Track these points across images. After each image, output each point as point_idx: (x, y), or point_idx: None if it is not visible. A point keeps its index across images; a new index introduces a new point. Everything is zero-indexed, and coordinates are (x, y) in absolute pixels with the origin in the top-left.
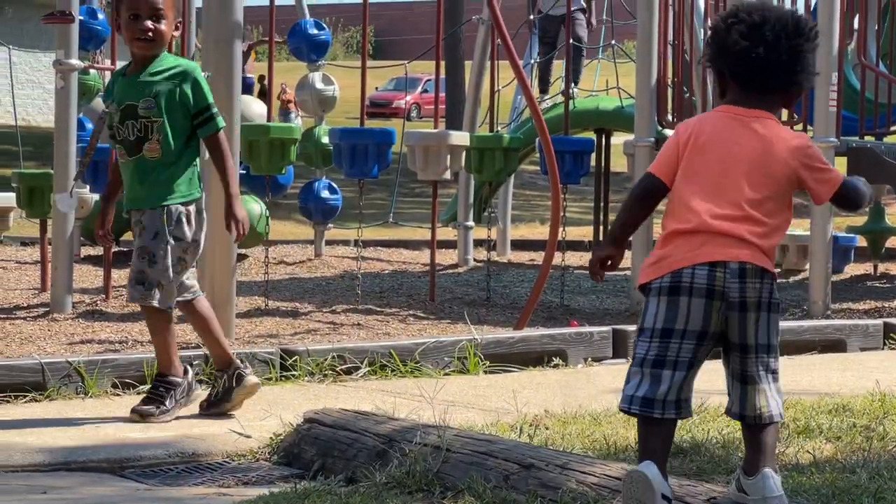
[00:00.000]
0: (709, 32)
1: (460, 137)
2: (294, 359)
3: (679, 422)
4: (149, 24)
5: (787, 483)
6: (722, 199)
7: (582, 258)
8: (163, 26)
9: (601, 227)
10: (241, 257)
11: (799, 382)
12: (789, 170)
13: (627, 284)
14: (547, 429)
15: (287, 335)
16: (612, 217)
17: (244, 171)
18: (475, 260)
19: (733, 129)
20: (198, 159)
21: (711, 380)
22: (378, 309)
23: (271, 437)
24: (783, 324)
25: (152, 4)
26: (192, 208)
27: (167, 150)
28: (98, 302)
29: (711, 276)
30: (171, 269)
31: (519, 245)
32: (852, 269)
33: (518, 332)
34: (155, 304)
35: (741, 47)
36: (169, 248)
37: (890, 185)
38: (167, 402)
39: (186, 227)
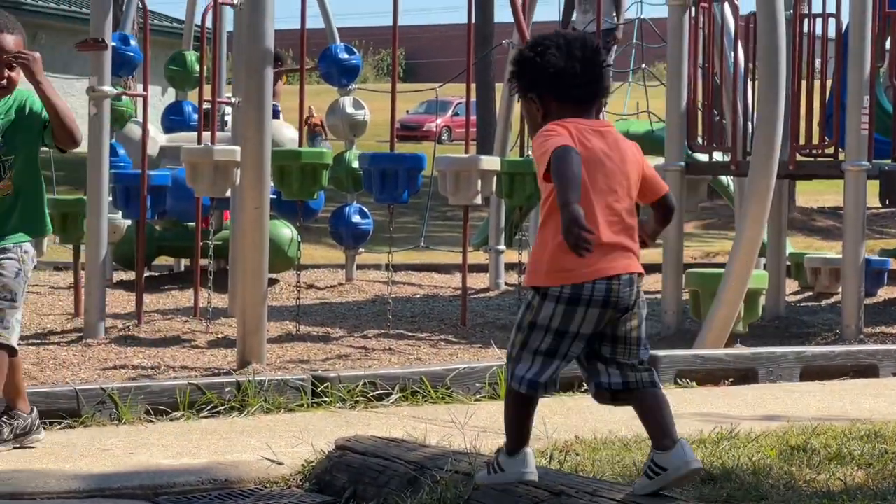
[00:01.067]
0: (509, 68)
1: (491, 162)
2: (325, 385)
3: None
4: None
5: None
6: (609, 211)
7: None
8: (14, 73)
9: None
10: (272, 282)
11: (830, 408)
12: (641, 171)
13: (658, 308)
14: (577, 455)
15: (318, 360)
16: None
17: (275, 196)
18: (506, 284)
19: (600, 141)
20: None
21: (739, 406)
22: (409, 333)
23: (303, 464)
24: (815, 349)
25: (6, 50)
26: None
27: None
28: (130, 327)
29: (608, 289)
30: None
31: None
32: (885, 293)
33: None
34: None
35: (560, 67)
36: None
37: None
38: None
39: None
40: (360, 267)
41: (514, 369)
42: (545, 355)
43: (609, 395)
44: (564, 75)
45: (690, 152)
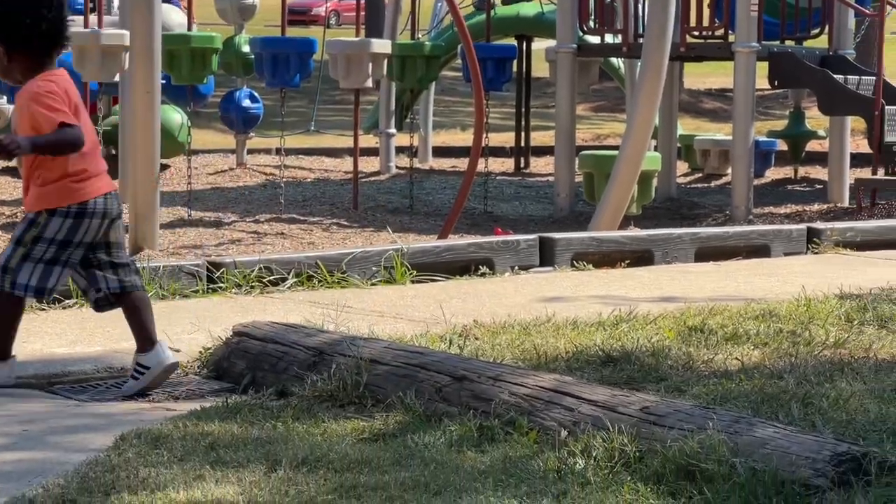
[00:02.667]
0: None
1: (382, 45)
2: (221, 271)
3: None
4: None
5: (717, 390)
6: (94, 145)
7: (504, 164)
8: None
9: (523, 133)
10: (163, 167)
11: (725, 288)
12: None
13: (550, 191)
14: (477, 339)
15: (211, 245)
16: (534, 123)
17: (164, 81)
18: (397, 167)
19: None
20: None
21: (637, 288)
22: (301, 218)
23: (200, 351)
24: (710, 230)
25: None
26: None
27: None
28: (18, 214)
29: (105, 203)
30: None
31: (441, 152)
32: (773, 174)
33: (444, 241)
34: None
35: (28, 22)
36: None
37: (810, 89)
38: None
39: None
40: (250, 151)
41: (14, 279)
42: (48, 263)
43: (107, 300)
44: (33, 30)
45: (582, 34)
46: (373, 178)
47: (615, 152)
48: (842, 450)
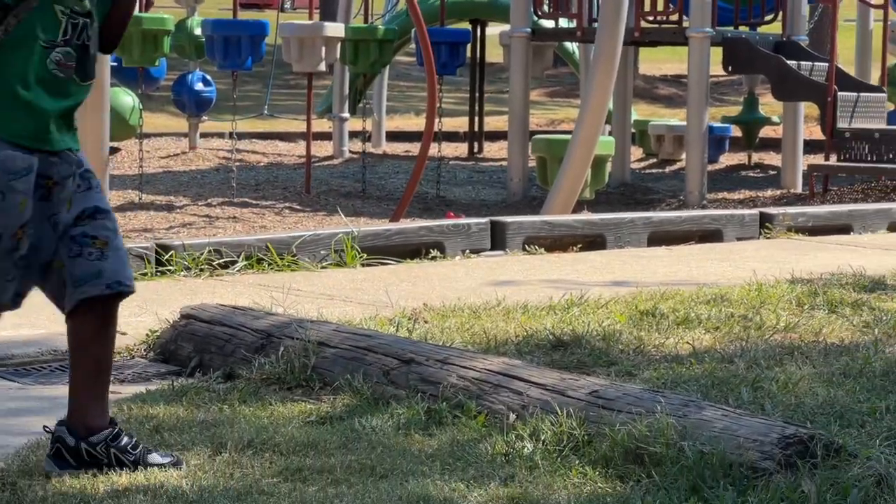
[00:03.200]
0: None
1: (335, 29)
2: (170, 254)
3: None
4: None
5: (667, 374)
6: None
7: (458, 149)
8: None
9: (476, 118)
10: (114, 150)
11: (678, 273)
12: None
13: (503, 175)
14: (426, 322)
15: (162, 229)
16: (488, 108)
17: (115, 64)
18: (350, 151)
19: None
20: None
21: (589, 272)
22: (254, 202)
23: (147, 334)
24: (662, 214)
25: None
26: None
27: None
28: None
29: None
30: None
31: (394, 136)
32: (727, 160)
33: (395, 225)
34: None
35: None
36: None
37: (764, 75)
38: None
39: None
40: (203, 135)
41: None
42: None
43: None
44: None
45: (536, 19)
46: (326, 163)
47: (568, 136)
48: (789, 432)
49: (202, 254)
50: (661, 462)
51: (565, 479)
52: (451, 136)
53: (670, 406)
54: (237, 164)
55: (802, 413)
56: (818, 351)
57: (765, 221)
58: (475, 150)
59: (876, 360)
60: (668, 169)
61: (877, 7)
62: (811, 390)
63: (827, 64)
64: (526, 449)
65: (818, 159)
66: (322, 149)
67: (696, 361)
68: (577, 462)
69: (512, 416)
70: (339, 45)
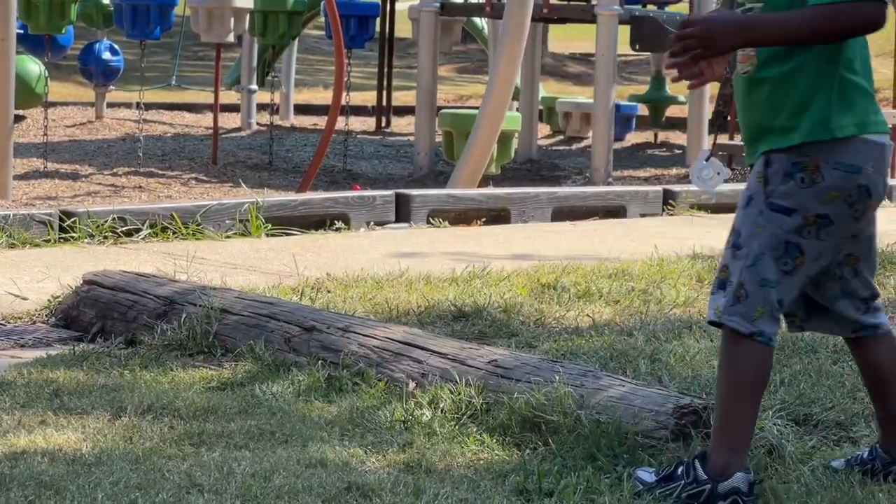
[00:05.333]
0: None
1: (244, 0)
2: (73, 220)
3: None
4: None
5: (567, 345)
6: None
7: (365, 123)
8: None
9: (385, 93)
10: (20, 118)
11: (581, 247)
12: None
13: (411, 150)
14: (329, 292)
15: (67, 197)
16: (396, 83)
17: (21, 30)
18: (258, 124)
19: None
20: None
21: (492, 245)
22: (160, 172)
23: (49, 300)
24: (567, 189)
25: None
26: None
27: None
28: None
29: None
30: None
31: (302, 109)
32: (634, 138)
33: (300, 196)
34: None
35: None
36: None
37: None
38: None
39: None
40: (111, 105)
41: None
42: None
43: None
44: None
45: None
46: (234, 134)
47: (475, 111)
48: (684, 403)
49: (106, 221)
50: (558, 430)
51: (463, 447)
52: (360, 111)
53: (568, 376)
54: (144, 134)
55: (699, 385)
56: None
57: (668, 198)
58: (383, 124)
59: None
60: (574, 146)
61: None
62: (708, 363)
63: None
64: (425, 416)
65: (724, 138)
66: (230, 120)
67: (595, 334)
68: (475, 430)
69: (412, 384)
70: (247, 17)
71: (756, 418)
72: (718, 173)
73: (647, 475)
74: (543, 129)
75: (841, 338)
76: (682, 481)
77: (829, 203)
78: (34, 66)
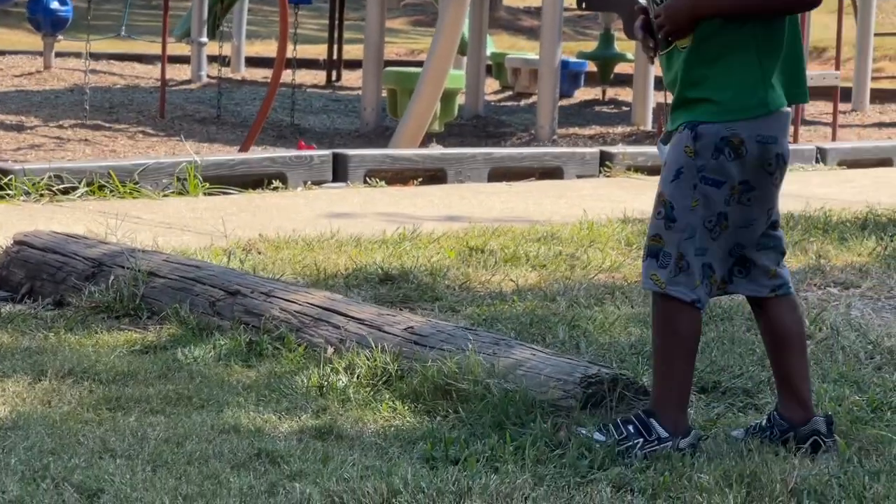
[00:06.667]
0: None
1: None
2: (9, 178)
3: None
4: None
5: (490, 311)
6: None
7: (317, 77)
8: None
9: (335, 46)
10: None
11: (514, 209)
12: None
13: (360, 105)
14: (260, 253)
15: (10, 150)
16: (349, 35)
17: None
18: (208, 76)
19: None
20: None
21: (426, 206)
22: (107, 125)
23: None
24: (503, 150)
25: None
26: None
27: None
28: None
29: None
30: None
31: (254, 62)
32: (582, 94)
33: (239, 155)
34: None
35: None
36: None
37: (617, 13)
38: None
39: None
40: (60, 55)
41: None
42: None
43: None
44: None
45: None
46: (183, 87)
47: (419, 70)
48: (591, 372)
49: (42, 179)
50: (468, 399)
51: (375, 413)
52: (311, 64)
53: (481, 344)
54: (91, 85)
55: (615, 352)
56: (639, 291)
57: (605, 160)
58: (333, 78)
59: None
60: (522, 102)
61: None
62: (626, 330)
63: None
64: (340, 382)
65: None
66: (181, 72)
67: (518, 299)
68: (388, 396)
69: (330, 350)
70: None
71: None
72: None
73: (599, 434)
74: (493, 84)
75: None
76: (641, 438)
77: (750, 171)
78: None
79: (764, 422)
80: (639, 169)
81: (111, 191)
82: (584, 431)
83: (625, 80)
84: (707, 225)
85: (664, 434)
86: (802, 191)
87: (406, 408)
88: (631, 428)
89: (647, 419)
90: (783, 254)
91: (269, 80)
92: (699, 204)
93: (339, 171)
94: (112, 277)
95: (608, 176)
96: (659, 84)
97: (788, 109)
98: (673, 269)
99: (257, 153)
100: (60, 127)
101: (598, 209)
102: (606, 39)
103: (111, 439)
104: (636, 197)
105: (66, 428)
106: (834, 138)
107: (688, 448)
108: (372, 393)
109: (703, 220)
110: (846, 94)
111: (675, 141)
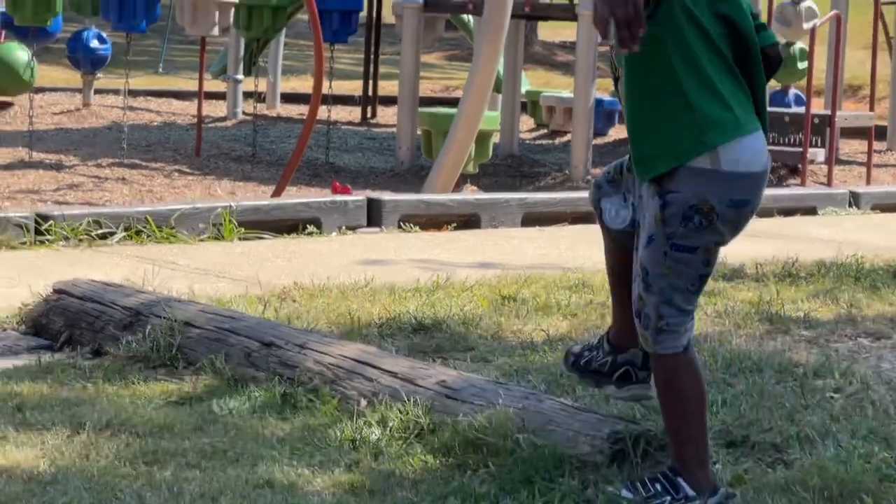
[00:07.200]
0: None
1: None
2: (49, 223)
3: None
4: None
5: (521, 361)
6: None
7: (352, 113)
8: None
9: (371, 82)
10: (5, 105)
11: (547, 255)
12: None
13: (394, 142)
14: (294, 302)
15: (49, 190)
16: (385, 70)
17: (10, 19)
18: (244, 113)
19: None
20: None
21: (460, 252)
22: (143, 163)
23: (20, 307)
24: (537, 195)
25: None
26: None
27: None
28: None
29: None
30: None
31: (290, 98)
32: (617, 133)
33: (274, 200)
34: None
35: None
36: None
37: None
38: None
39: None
40: (99, 91)
41: None
42: None
43: None
44: None
45: None
46: (219, 124)
47: (453, 110)
48: (619, 428)
49: (81, 224)
50: (498, 453)
51: (407, 467)
52: (346, 100)
53: (512, 398)
54: (130, 123)
55: (644, 405)
56: None
57: None
58: (369, 115)
59: (720, 352)
60: (557, 140)
61: None
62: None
63: None
64: (373, 435)
65: None
66: (217, 108)
67: (549, 349)
68: (420, 450)
69: (363, 403)
70: (232, 10)
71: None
72: None
73: (627, 492)
74: (528, 122)
75: (783, 359)
76: (669, 496)
77: (725, 231)
78: (22, 54)
79: (595, 341)
80: None
81: (148, 235)
82: (610, 489)
83: None
84: (690, 289)
85: (691, 493)
86: (835, 236)
87: (437, 461)
88: (658, 486)
89: (674, 477)
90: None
91: (304, 117)
92: (671, 271)
93: (374, 215)
94: (149, 327)
95: None
96: None
97: (758, 169)
98: (654, 333)
99: (292, 198)
100: (98, 166)
101: None
102: None
103: (147, 494)
104: None
105: (103, 482)
106: (868, 180)
107: None
108: (404, 446)
109: (685, 284)
110: (881, 133)
111: (646, 205)
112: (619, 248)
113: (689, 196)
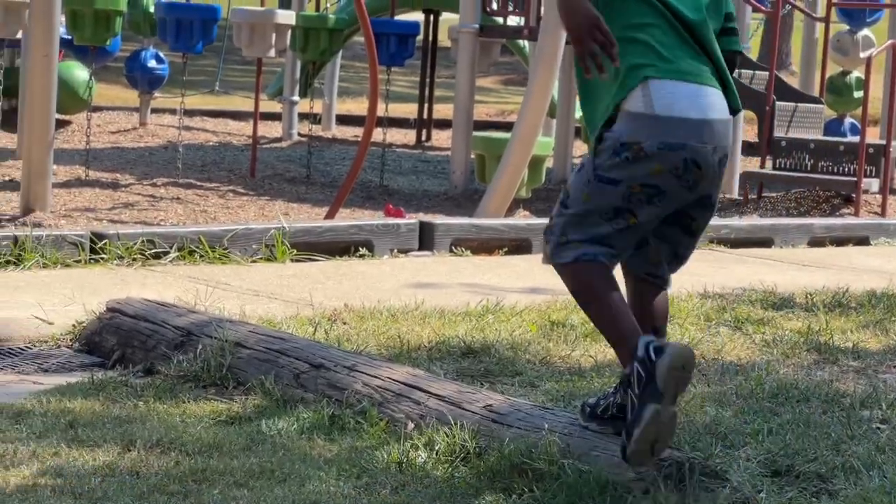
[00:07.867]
0: None
1: (286, 16)
2: (104, 242)
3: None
4: None
5: (568, 387)
6: None
7: (407, 136)
8: None
9: (426, 106)
10: (64, 123)
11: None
12: None
13: (448, 166)
14: (345, 324)
15: (104, 209)
16: (440, 93)
17: (70, 38)
18: (299, 134)
19: None
20: None
21: (510, 277)
22: (198, 183)
23: (74, 325)
24: None
25: None
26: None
27: None
28: None
29: None
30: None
31: (345, 120)
32: None
33: (326, 222)
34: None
35: None
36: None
37: None
38: None
39: None
40: (156, 111)
41: None
42: None
43: None
44: None
45: (486, 14)
46: (274, 145)
47: (507, 135)
48: (664, 455)
49: (135, 243)
50: (543, 478)
51: (453, 490)
52: (402, 123)
53: (558, 423)
54: (185, 142)
55: (689, 432)
56: (716, 369)
57: None
58: (423, 138)
59: (768, 381)
60: None
61: (819, 20)
62: (702, 409)
63: (767, 73)
64: (419, 458)
65: (753, 164)
66: (273, 129)
67: (596, 375)
68: (466, 473)
69: (410, 425)
70: (289, 33)
71: (624, 304)
72: None
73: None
74: (581, 147)
75: (830, 389)
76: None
77: (656, 175)
78: (80, 73)
79: (611, 389)
80: (721, 241)
81: (201, 255)
82: None
83: None
84: (605, 217)
85: (636, 387)
86: (886, 266)
87: (483, 485)
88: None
89: (622, 388)
90: (678, 259)
91: (358, 139)
92: (590, 199)
93: (426, 239)
94: (200, 347)
95: None
96: (745, 150)
97: (694, 116)
98: (555, 245)
99: (345, 220)
100: (154, 185)
101: (678, 283)
102: None
103: None
104: (717, 270)
105: (153, 500)
106: None
107: (642, 358)
108: (450, 469)
109: (599, 211)
110: None
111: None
112: (639, 296)
113: (623, 134)
